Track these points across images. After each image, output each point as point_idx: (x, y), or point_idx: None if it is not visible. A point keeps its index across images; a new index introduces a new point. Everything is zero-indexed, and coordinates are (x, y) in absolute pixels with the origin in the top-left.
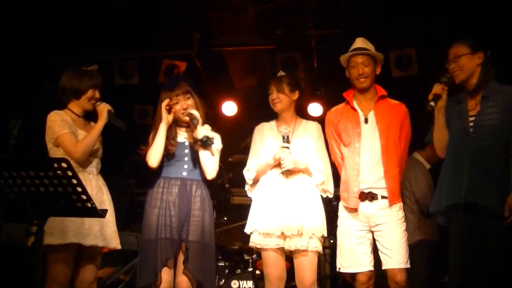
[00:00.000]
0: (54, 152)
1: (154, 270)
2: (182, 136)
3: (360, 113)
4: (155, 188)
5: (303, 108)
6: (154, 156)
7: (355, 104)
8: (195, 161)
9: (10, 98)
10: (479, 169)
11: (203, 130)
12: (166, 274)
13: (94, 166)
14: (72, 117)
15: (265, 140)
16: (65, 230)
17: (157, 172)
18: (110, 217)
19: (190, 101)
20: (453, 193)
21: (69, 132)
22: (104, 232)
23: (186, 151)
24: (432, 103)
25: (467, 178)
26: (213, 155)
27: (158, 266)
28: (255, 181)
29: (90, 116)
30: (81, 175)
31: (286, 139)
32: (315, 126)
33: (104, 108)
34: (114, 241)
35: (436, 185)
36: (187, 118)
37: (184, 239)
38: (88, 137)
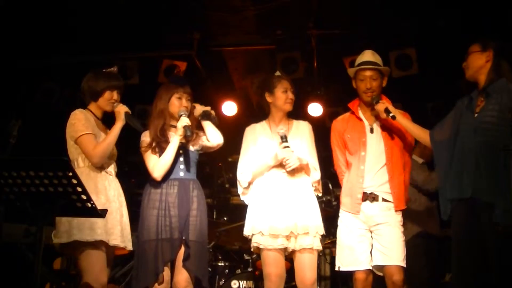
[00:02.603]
0: (72, 148)
1: (155, 271)
2: (174, 136)
3: (366, 122)
4: (152, 189)
5: (302, 108)
6: (162, 169)
7: (360, 114)
8: (189, 160)
9: (10, 98)
10: (481, 165)
11: (198, 108)
12: (164, 273)
13: (113, 168)
14: (93, 118)
15: (259, 140)
16: (94, 227)
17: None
18: (127, 219)
19: (189, 104)
20: (456, 188)
21: (91, 134)
22: (124, 233)
23: (180, 151)
24: (391, 114)
25: (468, 174)
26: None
27: (160, 267)
28: (249, 184)
29: (106, 121)
30: (103, 176)
31: (285, 139)
32: (307, 126)
33: (121, 110)
34: (129, 243)
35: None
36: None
37: (185, 238)
38: (106, 140)
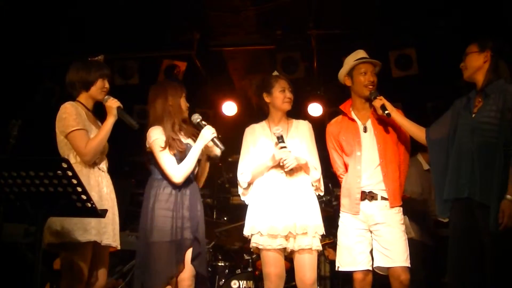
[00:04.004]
0: (62, 143)
1: (169, 274)
2: (182, 138)
3: (359, 122)
4: (164, 190)
5: (302, 108)
6: (186, 175)
7: (353, 115)
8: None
9: (10, 98)
10: (478, 166)
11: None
12: None
13: (105, 163)
14: (84, 111)
15: (258, 141)
16: (87, 227)
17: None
18: (117, 217)
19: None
20: (453, 188)
21: (83, 130)
22: (115, 232)
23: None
24: (386, 112)
25: (465, 174)
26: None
27: (174, 270)
28: (249, 184)
29: (97, 113)
30: (95, 172)
31: (281, 139)
32: (306, 125)
33: (113, 104)
34: (119, 242)
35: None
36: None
37: (195, 238)
38: (97, 137)
